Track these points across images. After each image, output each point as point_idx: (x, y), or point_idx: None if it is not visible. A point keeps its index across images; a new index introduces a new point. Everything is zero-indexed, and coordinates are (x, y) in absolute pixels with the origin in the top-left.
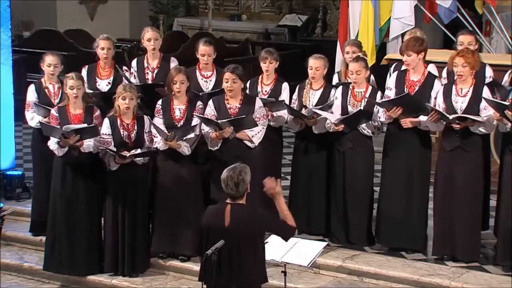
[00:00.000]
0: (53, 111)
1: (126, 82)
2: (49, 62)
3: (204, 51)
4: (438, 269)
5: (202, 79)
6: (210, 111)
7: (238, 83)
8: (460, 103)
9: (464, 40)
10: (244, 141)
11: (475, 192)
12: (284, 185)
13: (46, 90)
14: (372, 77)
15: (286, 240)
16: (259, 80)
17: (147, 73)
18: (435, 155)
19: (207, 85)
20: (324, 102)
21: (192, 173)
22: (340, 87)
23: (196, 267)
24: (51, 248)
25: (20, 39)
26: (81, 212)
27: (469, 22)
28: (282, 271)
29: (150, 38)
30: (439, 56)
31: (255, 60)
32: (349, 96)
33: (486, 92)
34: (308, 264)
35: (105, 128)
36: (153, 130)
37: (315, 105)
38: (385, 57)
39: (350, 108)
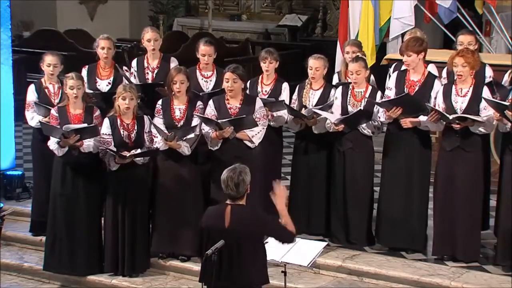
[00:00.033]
0: (53, 111)
1: (126, 82)
2: (49, 62)
3: (204, 51)
4: (438, 269)
5: (202, 79)
6: (211, 111)
7: (239, 83)
8: (460, 103)
9: (464, 40)
10: (244, 141)
11: (475, 192)
12: (284, 185)
13: (46, 90)
14: (372, 77)
15: (282, 243)
16: (259, 80)
17: (147, 73)
18: (435, 155)
19: (207, 85)
20: (324, 102)
21: (192, 173)
22: (340, 87)
23: (196, 267)
24: (51, 248)
25: (20, 39)
26: (81, 212)
27: (469, 22)
28: (282, 271)
29: (150, 38)
30: (439, 56)
31: (255, 60)
32: (349, 96)
33: (486, 92)
34: (308, 264)
35: (105, 128)
36: (153, 130)
37: (315, 105)
38: (385, 57)
39: (350, 108)
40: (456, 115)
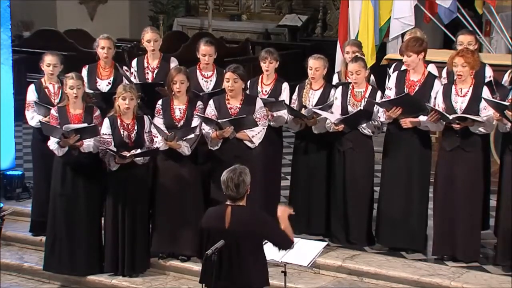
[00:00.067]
0: (53, 111)
1: (126, 82)
2: (49, 62)
3: (205, 51)
4: (438, 269)
5: (202, 79)
6: (211, 110)
7: (239, 83)
8: (460, 103)
9: (463, 40)
10: (244, 141)
11: (475, 192)
12: (284, 185)
13: (46, 90)
14: (372, 77)
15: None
16: (259, 80)
17: (147, 73)
18: (435, 155)
19: (207, 85)
20: (324, 102)
21: (192, 173)
22: (340, 87)
23: (196, 267)
24: (51, 248)
25: (20, 39)
26: (81, 212)
27: (469, 22)
28: (282, 271)
29: (149, 39)
30: (439, 56)
31: (255, 60)
32: (349, 96)
33: (485, 92)
34: (308, 264)
35: (105, 128)
36: (153, 130)
37: (315, 105)
38: (385, 57)
39: (350, 108)
40: (456, 115)
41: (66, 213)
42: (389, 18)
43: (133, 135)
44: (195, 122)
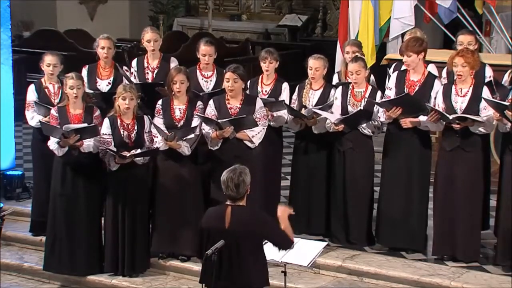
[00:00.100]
0: (53, 111)
1: (127, 82)
2: (49, 62)
3: (205, 51)
4: (438, 269)
5: (202, 79)
6: (211, 110)
7: (239, 83)
8: (460, 103)
9: (463, 40)
10: (244, 141)
11: (475, 192)
12: (284, 185)
13: (46, 90)
14: (372, 77)
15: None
16: (259, 80)
17: (147, 73)
18: (435, 155)
19: (207, 85)
20: (323, 102)
21: (192, 173)
22: (340, 87)
23: (196, 267)
24: (51, 248)
25: (20, 39)
26: (81, 212)
27: (469, 22)
28: (282, 271)
29: (149, 39)
30: (439, 56)
31: (255, 60)
32: (349, 96)
33: (485, 92)
34: (308, 264)
35: (105, 128)
36: (153, 130)
37: (315, 105)
38: (385, 57)
39: (350, 108)
40: (456, 115)
41: (66, 213)
42: (389, 18)
43: (133, 135)
44: (195, 122)
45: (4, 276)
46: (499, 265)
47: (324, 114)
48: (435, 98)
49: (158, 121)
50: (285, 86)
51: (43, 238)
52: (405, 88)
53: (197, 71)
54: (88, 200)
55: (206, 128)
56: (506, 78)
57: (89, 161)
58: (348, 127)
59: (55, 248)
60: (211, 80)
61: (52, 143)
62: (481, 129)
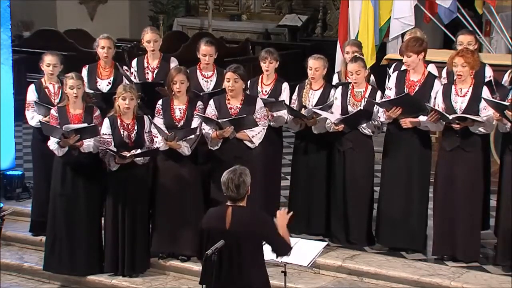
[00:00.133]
0: (53, 111)
1: (127, 81)
2: (48, 62)
3: (205, 51)
4: (438, 269)
5: (202, 79)
6: (211, 110)
7: (240, 83)
8: (460, 103)
9: (463, 40)
10: (244, 142)
11: (475, 192)
12: (284, 185)
13: (46, 90)
14: (372, 77)
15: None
16: (259, 80)
17: (147, 73)
18: (435, 155)
19: (207, 85)
20: (323, 102)
21: (192, 173)
22: (340, 87)
23: (196, 267)
24: (51, 248)
25: (20, 39)
26: (81, 212)
27: (469, 22)
28: (282, 271)
29: (149, 40)
30: (439, 56)
31: (255, 60)
32: (349, 96)
33: (485, 92)
34: (308, 264)
35: (105, 128)
36: (154, 130)
37: (315, 105)
38: (385, 57)
39: (350, 108)
40: (456, 115)
41: (66, 213)
42: (389, 18)
43: (133, 135)
44: (195, 122)
45: (4, 276)
46: (499, 265)
47: (324, 114)
48: (435, 98)
49: (158, 121)
50: (285, 86)
51: (43, 238)
52: (405, 88)
53: (198, 71)
54: (88, 200)
55: (206, 128)
56: (506, 78)
57: (89, 161)
58: (348, 127)
59: (55, 248)
60: (211, 80)
61: (52, 143)
62: (481, 129)
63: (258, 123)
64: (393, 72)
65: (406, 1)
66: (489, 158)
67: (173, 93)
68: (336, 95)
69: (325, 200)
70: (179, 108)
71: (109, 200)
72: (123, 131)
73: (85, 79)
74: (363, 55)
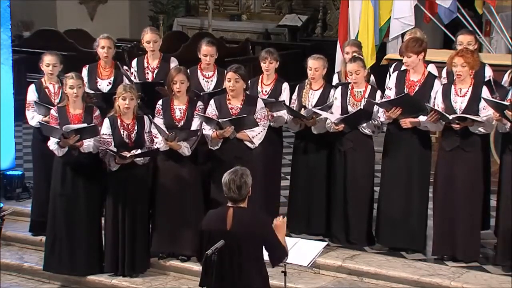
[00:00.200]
0: (53, 111)
1: (127, 81)
2: (48, 61)
3: (206, 51)
4: (438, 269)
5: (203, 79)
6: (212, 110)
7: (241, 83)
8: (460, 103)
9: (463, 40)
10: (245, 142)
11: (475, 192)
12: (284, 185)
13: (46, 90)
14: (372, 77)
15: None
16: (259, 80)
17: (147, 73)
18: (435, 155)
19: (208, 85)
20: (323, 102)
21: (192, 173)
22: (340, 87)
23: (196, 267)
24: (51, 248)
25: (20, 39)
26: (81, 212)
27: (469, 22)
28: (282, 271)
29: (149, 40)
30: (439, 56)
31: (255, 60)
32: (348, 96)
33: (485, 92)
34: (308, 264)
35: (105, 128)
36: (154, 130)
37: (315, 106)
38: (385, 57)
39: (350, 108)
40: (456, 115)
41: (66, 213)
42: (389, 18)
43: (133, 135)
44: (195, 122)
45: (4, 276)
46: (499, 265)
47: (324, 114)
48: (434, 98)
49: (158, 121)
50: (285, 86)
51: (43, 238)
52: (405, 88)
53: (198, 71)
54: (88, 200)
55: (206, 128)
56: (506, 78)
57: (89, 161)
58: (348, 126)
59: (55, 248)
60: (212, 80)
61: (52, 144)
62: (481, 129)
63: (259, 123)
64: (393, 72)
65: (406, 1)
66: (489, 158)
67: (173, 93)
68: (336, 95)
69: (325, 200)
70: (179, 108)
71: (109, 200)
72: (123, 131)
73: (85, 79)
74: (363, 55)
